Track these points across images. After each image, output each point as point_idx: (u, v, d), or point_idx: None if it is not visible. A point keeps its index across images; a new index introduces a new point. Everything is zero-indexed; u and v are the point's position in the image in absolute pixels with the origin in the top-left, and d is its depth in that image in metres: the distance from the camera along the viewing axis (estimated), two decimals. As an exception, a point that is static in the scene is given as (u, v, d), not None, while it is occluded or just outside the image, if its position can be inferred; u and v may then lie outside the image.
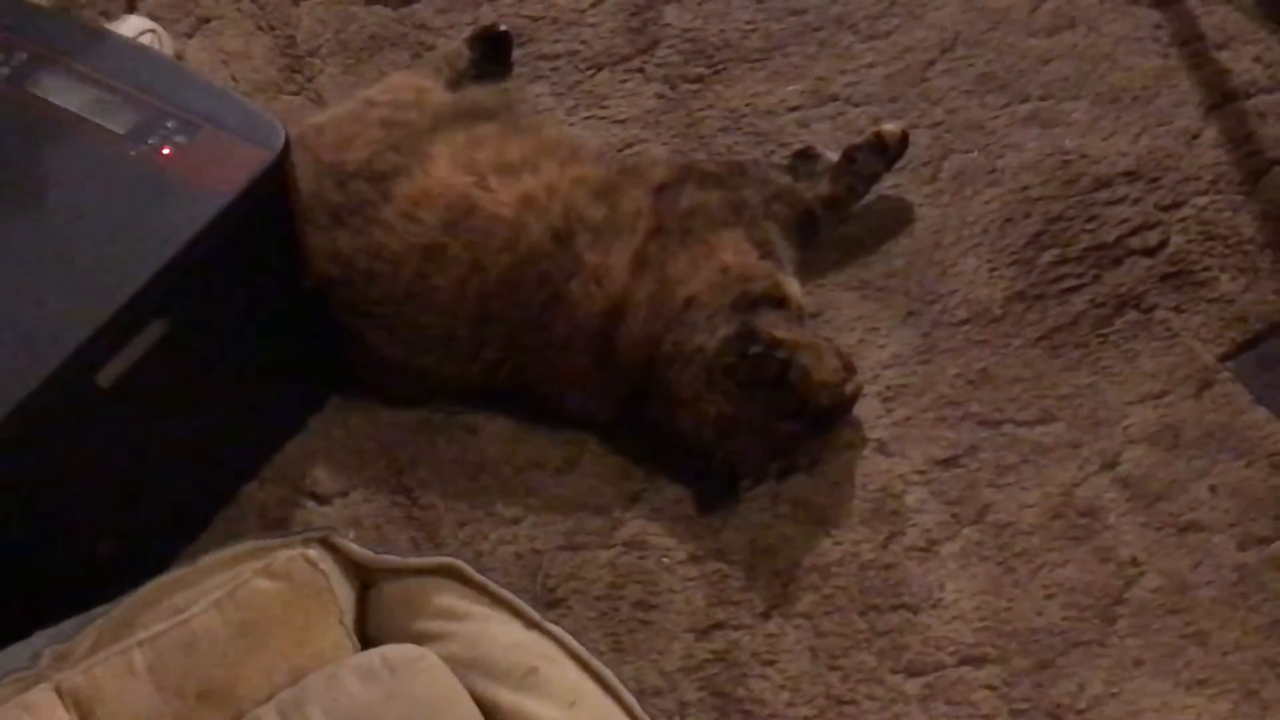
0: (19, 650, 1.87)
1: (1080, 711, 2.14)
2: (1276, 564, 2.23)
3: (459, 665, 1.86)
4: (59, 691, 1.84)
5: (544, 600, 2.21)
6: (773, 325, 2.27)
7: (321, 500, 2.35)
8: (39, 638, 1.88)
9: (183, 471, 2.28)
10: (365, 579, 1.96)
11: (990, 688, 2.16)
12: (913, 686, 2.17)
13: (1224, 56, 2.69)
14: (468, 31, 2.74)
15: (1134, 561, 2.25)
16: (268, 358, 2.36)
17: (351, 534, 2.02)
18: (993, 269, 2.51)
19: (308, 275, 2.34)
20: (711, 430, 2.29)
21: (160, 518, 2.26)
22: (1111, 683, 2.16)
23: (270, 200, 2.20)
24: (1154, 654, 2.18)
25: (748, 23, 2.77)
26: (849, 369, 2.30)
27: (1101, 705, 2.14)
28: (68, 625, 1.89)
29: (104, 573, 1.99)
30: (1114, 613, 2.22)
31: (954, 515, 2.30)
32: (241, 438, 2.37)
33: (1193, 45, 2.71)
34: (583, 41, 2.76)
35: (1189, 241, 2.52)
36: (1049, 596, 2.23)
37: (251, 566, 1.91)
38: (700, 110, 2.69)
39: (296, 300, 2.35)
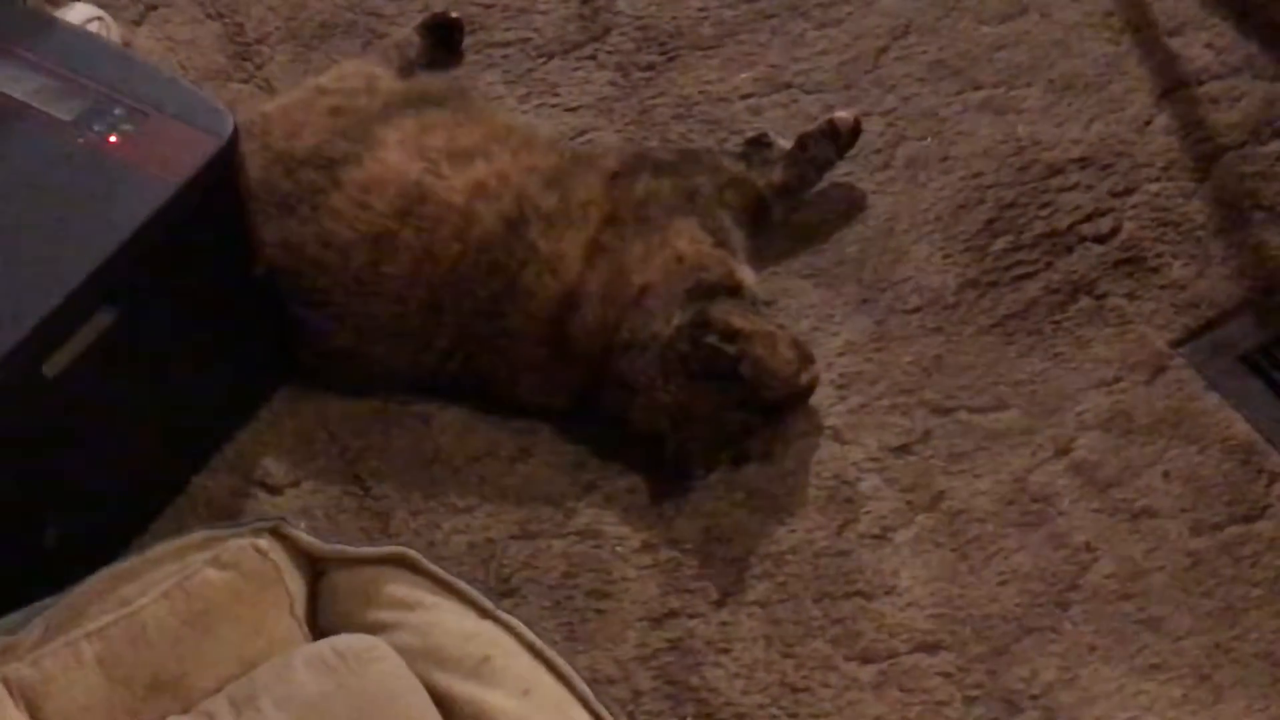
0: (-35, 642, 1.86)
1: (1034, 697, 2.13)
2: (1229, 550, 2.23)
3: (412, 655, 1.85)
4: (6, 684, 1.83)
5: (497, 590, 2.18)
6: (728, 314, 2.25)
7: (273, 490, 2.33)
8: (-14, 628, 1.87)
9: (132, 461, 2.27)
10: (316, 569, 1.95)
11: (944, 674, 2.16)
12: (867, 674, 2.16)
13: (1175, 43, 2.70)
14: (419, 19, 2.73)
15: (1087, 547, 2.24)
16: (217, 347, 2.33)
17: (303, 524, 2.01)
18: (946, 256, 2.50)
19: (257, 263, 2.32)
20: (665, 418, 2.28)
21: (109, 508, 2.24)
22: (1065, 669, 2.15)
23: (219, 188, 2.18)
24: (1107, 640, 2.17)
25: (700, 9, 2.77)
26: (806, 359, 2.29)
27: (1055, 691, 2.14)
28: (15, 616, 1.88)
29: (51, 563, 1.97)
30: (1068, 599, 2.21)
31: (908, 502, 2.29)
32: (191, 427, 2.35)
33: (1144, 32, 2.71)
34: (534, 29, 2.76)
35: (1141, 228, 2.51)
36: (1003, 583, 2.22)
37: (201, 557, 1.90)
38: (653, 98, 2.68)
39: (246, 289, 2.33)
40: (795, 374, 2.27)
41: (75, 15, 2.63)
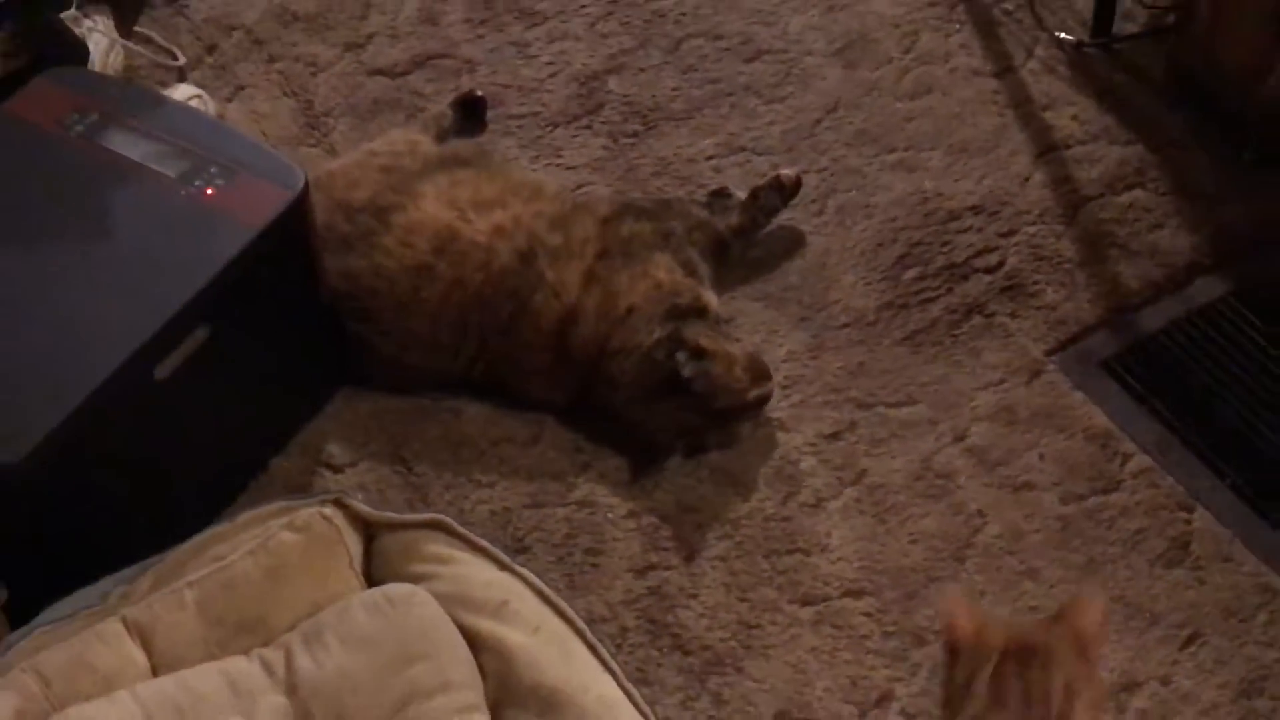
0: (90, 592, 1.89)
1: (937, 632, 2.15)
2: (1091, 516, 2.29)
3: (445, 600, 1.89)
4: (125, 623, 1.86)
5: (513, 548, 2.22)
6: (698, 335, 2.30)
7: (335, 470, 2.35)
8: (106, 581, 1.90)
9: (222, 446, 2.29)
10: (370, 532, 1.98)
11: (866, 614, 2.20)
12: (806, 614, 2.20)
13: (1048, 115, 2.74)
14: (452, 96, 2.74)
15: (979, 514, 2.29)
16: (291, 355, 2.37)
17: (359, 496, 2.04)
18: (867, 284, 2.54)
19: (322, 290, 2.35)
20: (640, 413, 2.33)
21: (206, 484, 2.25)
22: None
23: (292, 231, 2.22)
24: (995, 586, 2.22)
25: (674, 89, 2.79)
26: (759, 378, 2.33)
27: (955, 628, 2.16)
28: (129, 570, 1.91)
29: (162, 528, 1.97)
30: (964, 554, 2.26)
31: (838, 478, 2.33)
32: (270, 419, 2.38)
33: (1024, 107, 2.76)
34: (542, 104, 2.78)
35: (1022, 261, 2.56)
36: (913, 542, 2.27)
37: (278, 522, 1.93)
38: (636, 159, 2.70)
39: (313, 310, 2.36)
40: (744, 390, 2.31)
41: (180, 94, 2.66)
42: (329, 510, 1.93)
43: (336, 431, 2.38)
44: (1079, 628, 1.60)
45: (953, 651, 1.61)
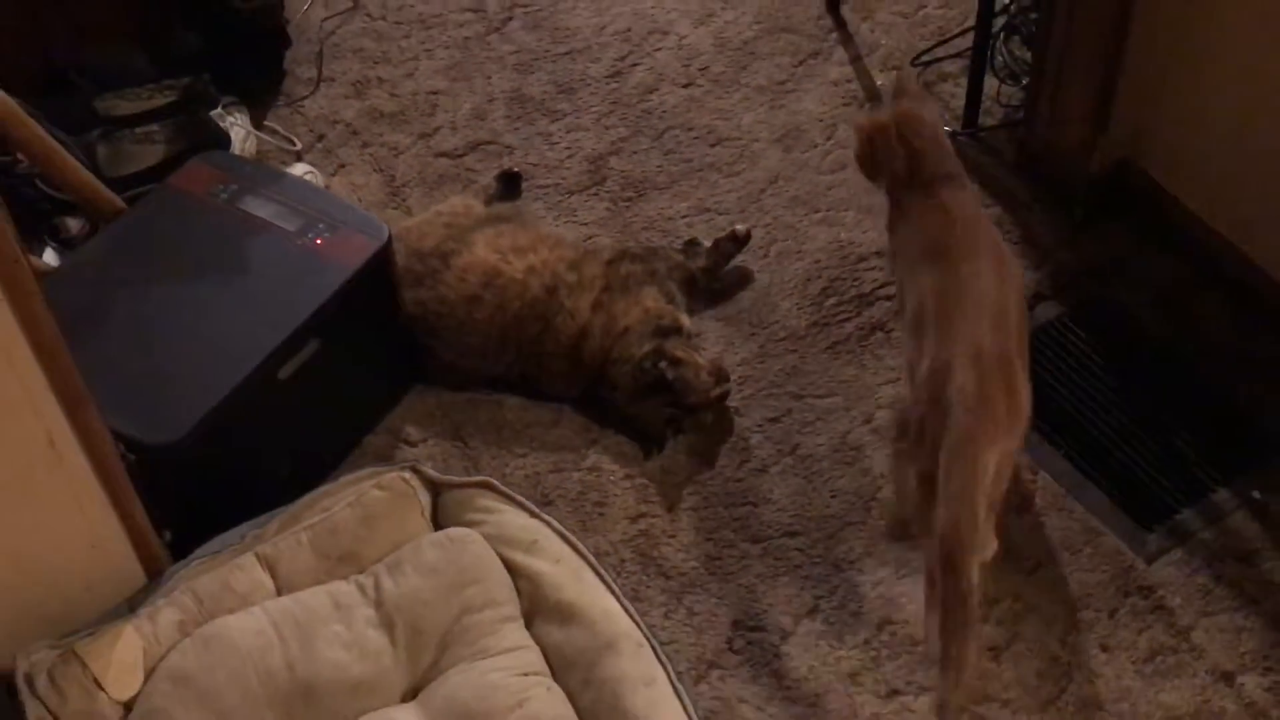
0: (232, 534, 1.92)
1: (851, 562, 2.19)
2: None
3: (491, 539, 1.92)
4: (257, 556, 1.86)
5: (540, 501, 2.23)
6: (675, 348, 2.31)
7: (410, 444, 2.36)
8: (244, 526, 1.93)
9: (328, 428, 2.31)
10: (436, 490, 2.00)
11: (799, 549, 2.22)
12: (755, 549, 2.22)
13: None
14: (495, 172, 2.74)
15: (881, 475, 2.29)
16: (378, 361, 2.39)
17: (429, 464, 2.04)
18: (799, 308, 2.53)
19: (400, 313, 2.37)
20: (634, 406, 2.33)
21: (316, 455, 2.26)
22: (869, 545, 2.22)
23: (379, 270, 2.26)
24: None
25: (658, 166, 2.78)
26: (721, 379, 2.33)
27: (862, 560, 2.19)
28: (261, 518, 1.93)
29: (284, 488, 1.98)
30: (870, 506, 2.26)
31: (778, 450, 2.34)
32: (362, 407, 2.39)
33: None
34: (562, 178, 2.77)
35: (913, 292, 2.53)
36: (833, 496, 2.28)
37: (370, 483, 1.95)
38: (631, 217, 2.69)
39: (394, 327, 2.37)
40: (709, 388, 2.31)
41: (297, 170, 2.68)
42: (407, 474, 1.94)
43: (411, 417, 2.39)
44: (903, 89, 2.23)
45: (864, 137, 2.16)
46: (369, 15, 3.08)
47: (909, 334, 2.00)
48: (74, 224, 2.44)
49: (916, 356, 1.92)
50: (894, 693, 2.03)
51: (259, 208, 2.21)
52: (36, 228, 2.39)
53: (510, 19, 3.06)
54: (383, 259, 2.21)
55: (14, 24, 2.64)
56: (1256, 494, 2.21)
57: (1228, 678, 2.01)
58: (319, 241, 2.17)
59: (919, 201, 2.08)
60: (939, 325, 1.89)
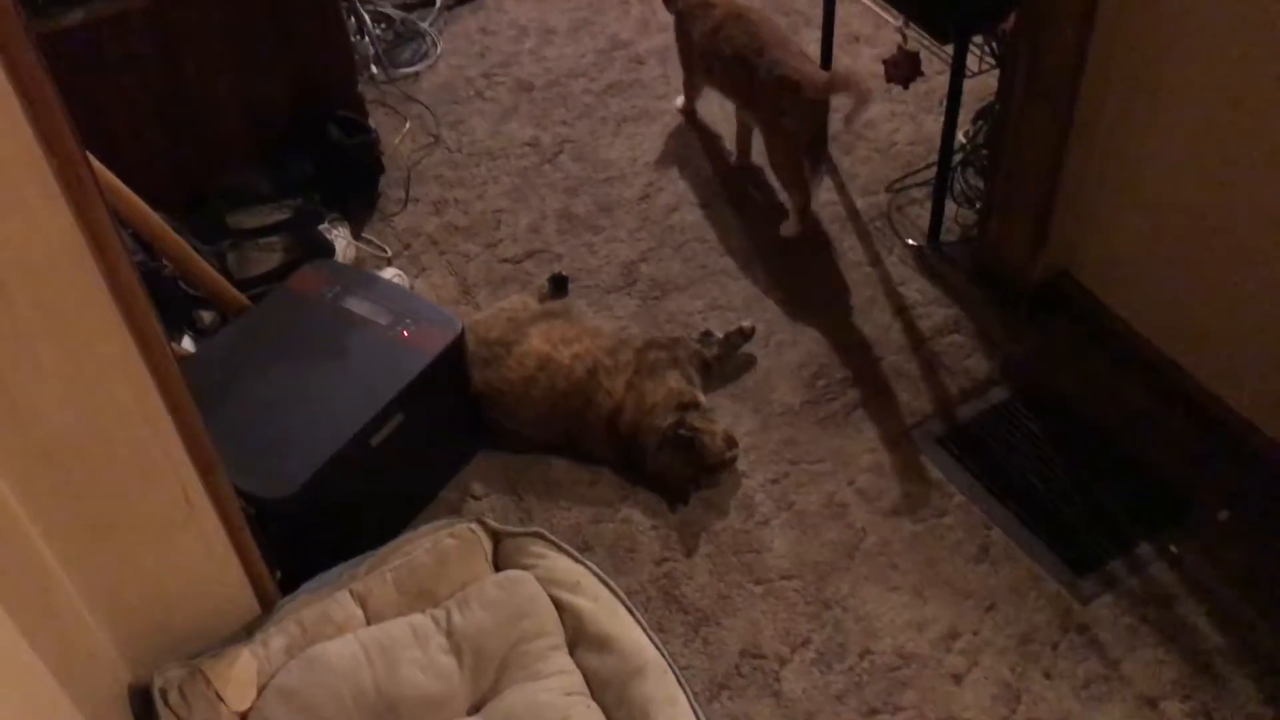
0: (330, 573, 1.91)
1: (839, 601, 2.16)
2: (930, 531, 2.27)
3: (542, 581, 1.90)
4: (351, 592, 1.85)
5: (581, 548, 2.23)
6: (694, 419, 2.29)
7: (476, 499, 2.34)
8: (341, 567, 1.92)
9: (410, 485, 2.29)
10: (498, 538, 1.97)
11: (795, 590, 2.19)
12: (758, 589, 2.19)
13: (901, 289, 2.70)
14: (547, 274, 2.73)
15: (863, 529, 2.27)
16: (451, 429, 2.37)
17: (491, 516, 2.02)
18: (793, 389, 2.52)
19: (469, 390, 2.35)
20: (660, 469, 2.31)
21: (400, 508, 2.26)
22: (854, 587, 2.19)
23: (454, 356, 2.25)
24: (873, 573, 2.20)
25: (679, 271, 2.78)
26: (731, 445, 2.31)
27: (848, 599, 2.16)
28: (355, 560, 1.92)
29: (373, 535, 1.98)
30: (853, 554, 2.24)
31: (778, 506, 2.31)
32: (437, 468, 2.37)
33: (887, 283, 2.71)
34: (601, 280, 2.77)
35: (888, 377, 2.52)
36: (822, 545, 2.25)
37: (444, 532, 1.94)
38: (657, 312, 2.69)
39: (465, 402, 2.36)
40: (723, 453, 2.30)
41: (387, 274, 2.66)
42: (473, 525, 1.92)
43: (477, 475, 2.37)
44: None
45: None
46: (448, 148, 3.11)
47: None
48: (207, 316, 2.45)
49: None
50: (874, 711, 2.00)
51: (358, 306, 2.23)
52: (177, 320, 2.40)
53: (560, 152, 3.09)
54: (456, 347, 2.21)
55: (163, 154, 2.68)
56: (1173, 548, 2.18)
57: (1151, 703, 1.98)
58: (405, 333, 2.17)
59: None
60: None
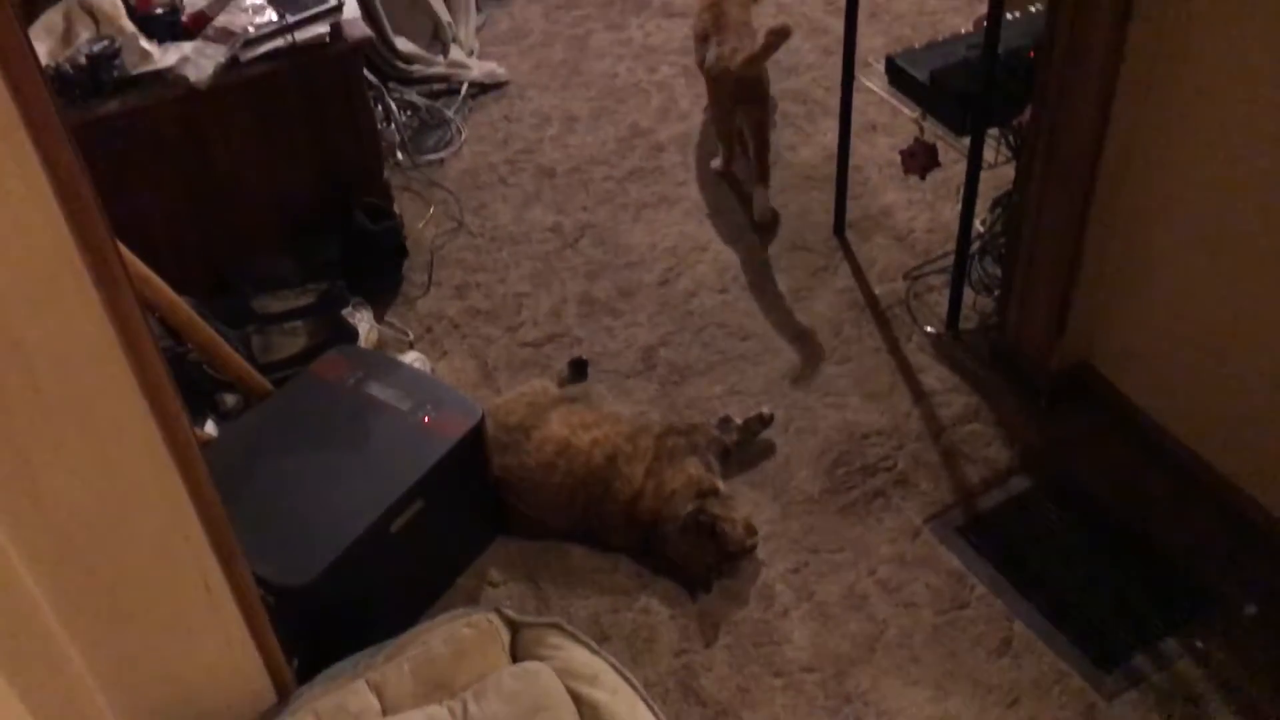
0: (346, 663, 1.89)
1: (860, 695, 2.12)
2: (952, 623, 2.23)
3: (559, 673, 1.86)
4: (367, 682, 1.83)
5: (599, 637, 2.20)
6: (714, 507, 2.27)
7: (494, 586, 2.33)
8: (357, 655, 1.90)
9: (429, 571, 2.28)
10: (515, 628, 1.95)
11: (816, 683, 2.15)
12: (778, 682, 2.16)
13: (921, 376, 2.71)
14: (567, 359, 2.75)
15: (884, 621, 2.23)
16: (469, 515, 2.36)
17: (508, 604, 2.01)
18: (814, 476, 2.51)
19: (489, 476, 2.34)
20: (680, 556, 2.29)
21: (418, 595, 2.24)
22: (875, 681, 2.15)
23: (474, 442, 2.25)
24: (894, 666, 2.17)
25: (698, 356, 2.79)
26: (751, 532, 2.30)
27: (869, 693, 2.12)
28: (372, 649, 1.90)
29: (390, 623, 1.96)
30: (874, 647, 2.20)
31: (798, 596, 2.29)
32: (456, 554, 2.36)
33: (906, 370, 2.72)
34: (620, 365, 2.79)
35: (907, 465, 2.52)
36: (842, 637, 2.22)
37: (460, 622, 1.92)
38: (676, 397, 2.70)
39: (484, 488, 2.35)
40: (742, 541, 2.28)
41: (409, 357, 2.69)
42: (491, 616, 1.90)
43: (495, 562, 2.36)
44: None
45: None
46: (470, 233, 3.15)
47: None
48: (230, 399, 2.47)
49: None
50: (895, 809, 1.96)
51: (380, 391, 2.24)
52: (201, 403, 2.42)
53: (581, 237, 3.12)
54: (477, 434, 2.22)
55: (191, 238, 2.72)
56: (1199, 643, 2.14)
57: (1180, 804, 1.94)
58: (426, 420, 2.18)
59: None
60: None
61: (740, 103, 3.07)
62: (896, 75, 2.62)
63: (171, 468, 1.49)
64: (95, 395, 1.41)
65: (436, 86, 3.61)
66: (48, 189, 1.27)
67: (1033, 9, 2.56)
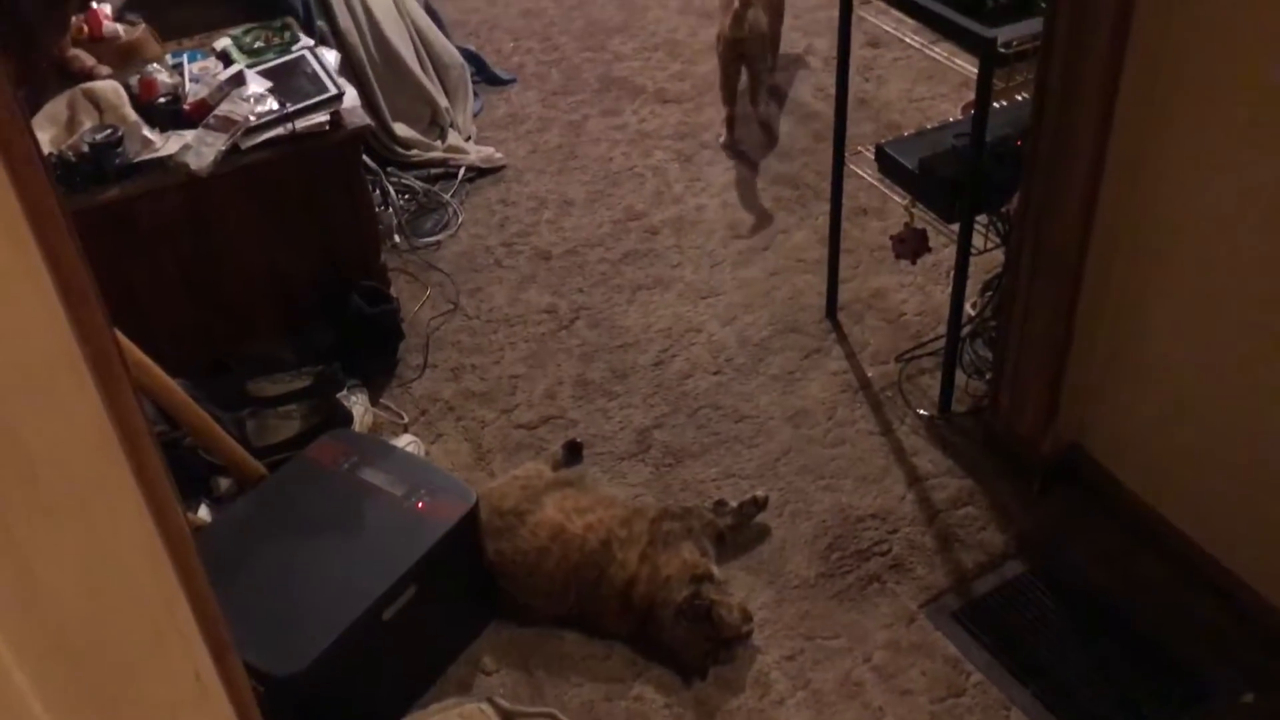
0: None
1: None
2: (949, 710, 2.20)
3: None
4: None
5: (594, 725, 2.15)
6: (710, 593, 2.26)
7: (486, 673, 2.30)
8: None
9: (421, 659, 2.25)
10: (508, 717, 1.93)
11: None
12: (773, 772, 2.11)
13: (914, 460, 2.71)
14: (561, 441, 2.75)
15: (880, 708, 2.20)
16: (463, 601, 2.35)
17: (501, 692, 1.99)
18: (809, 561, 2.50)
19: (482, 561, 2.33)
20: (676, 642, 2.27)
21: (410, 683, 2.21)
22: (870, 772, 2.10)
23: (468, 528, 2.25)
24: (891, 757, 2.12)
25: (692, 439, 2.80)
26: (747, 619, 2.28)
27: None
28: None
29: (382, 712, 1.94)
30: (870, 735, 2.15)
31: (794, 684, 2.27)
32: (448, 641, 2.34)
33: (900, 454, 2.73)
34: (615, 448, 2.79)
35: (902, 550, 2.51)
36: (839, 726, 2.17)
37: (454, 711, 1.92)
38: (671, 480, 2.70)
39: (478, 574, 2.34)
40: (738, 627, 2.26)
41: (403, 440, 2.69)
42: (483, 705, 1.91)
43: (488, 648, 2.34)
44: None
45: None
46: (466, 315, 3.18)
47: None
48: (224, 483, 2.46)
49: None
50: None
51: (374, 476, 2.24)
52: (195, 487, 2.41)
53: (576, 319, 3.15)
54: (471, 519, 2.21)
55: (189, 321, 2.74)
56: (1199, 732, 2.13)
57: None
58: (420, 505, 2.18)
59: None
60: None
61: (739, 60, 3.62)
62: (886, 163, 2.67)
63: (165, 561, 1.48)
64: (92, 488, 1.41)
65: (434, 171, 3.66)
66: (49, 282, 1.28)
67: (1019, 98, 2.61)
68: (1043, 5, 2.24)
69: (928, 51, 2.63)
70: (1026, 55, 2.31)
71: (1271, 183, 1.96)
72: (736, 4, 3.50)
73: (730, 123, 3.75)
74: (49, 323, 1.30)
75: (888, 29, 2.64)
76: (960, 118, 2.76)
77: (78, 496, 1.39)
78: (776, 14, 3.90)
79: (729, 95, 3.72)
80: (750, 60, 3.67)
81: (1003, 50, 2.28)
